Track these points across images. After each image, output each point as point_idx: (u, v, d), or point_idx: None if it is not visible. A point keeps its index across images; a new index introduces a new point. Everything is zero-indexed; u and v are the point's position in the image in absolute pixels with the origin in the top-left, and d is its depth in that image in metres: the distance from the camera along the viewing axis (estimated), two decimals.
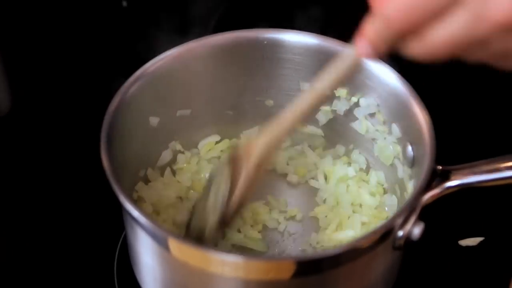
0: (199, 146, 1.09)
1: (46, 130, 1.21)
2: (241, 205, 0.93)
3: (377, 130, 1.03)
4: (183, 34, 1.07)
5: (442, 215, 1.06)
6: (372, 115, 1.03)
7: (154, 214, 1.03)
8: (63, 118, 1.22)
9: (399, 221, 0.86)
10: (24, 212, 1.11)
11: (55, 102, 1.25)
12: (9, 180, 1.14)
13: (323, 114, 1.07)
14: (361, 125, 1.04)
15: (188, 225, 0.97)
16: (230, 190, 0.93)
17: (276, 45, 1.03)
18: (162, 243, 0.86)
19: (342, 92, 1.04)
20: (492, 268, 1.05)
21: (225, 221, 0.93)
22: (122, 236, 1.06)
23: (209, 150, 1.10)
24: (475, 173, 0.90)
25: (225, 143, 1.11)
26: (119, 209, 0.94)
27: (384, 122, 1.01)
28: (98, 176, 0.89)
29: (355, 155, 1.08)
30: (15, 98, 1.23)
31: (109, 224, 1.07)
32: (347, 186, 1.07)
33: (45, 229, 1.09)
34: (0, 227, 1.10)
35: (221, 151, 1.10)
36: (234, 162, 0.93)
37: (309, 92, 0.87)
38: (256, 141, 0.92)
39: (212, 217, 0.93)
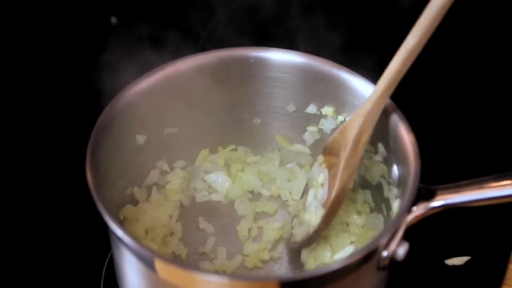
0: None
1: (33, 148, 1.21)
2: (343, 190, 0.96)
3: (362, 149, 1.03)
4: (172, 51, 1.07)
5: (429, 234, 1.06)
6: None
7: (142, 233, 1.03)
8: (50, 136, 1.22)
9: (384, 241, 0.86)
10: (11, 230, 1.11)
11: (41, 120, 1.25)
12: None
13: (310, 134, 1.08)
14: None
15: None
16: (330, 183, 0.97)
17: (262, 64, 1.04)
18: (148, 264, 0.86)
19: (328, 110, 1.04)
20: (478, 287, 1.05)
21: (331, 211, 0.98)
22: (109, 255, 1.06)
23: (204, 161, 1.10)
24: (459, 193, 0.90)
25: (219, 155, 1.11)
26: (105, 229, 0.94)
27: (370, 142, 1.01)
28: (85, 195, 0.89)
29: None
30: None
31: (95, 244, 1.07)
32: None
33: (31, 248, 1.09)
34: None
35: (213, 163, 1.11)
36: (329, 154, 0.98)
37: (406, 45, 0.89)
38: (352, 121, 0.95)
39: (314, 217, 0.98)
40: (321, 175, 1.00)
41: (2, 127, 1.23)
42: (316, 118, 1.06)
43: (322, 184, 1.00)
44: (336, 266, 0.83)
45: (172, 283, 0.85)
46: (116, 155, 0.98)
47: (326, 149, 1.01)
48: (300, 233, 1.01)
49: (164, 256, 0.87)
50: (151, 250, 0.85)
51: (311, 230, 0.99)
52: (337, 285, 0.85)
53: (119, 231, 0.84)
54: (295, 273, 0.98)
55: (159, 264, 0.84)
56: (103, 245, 1.02)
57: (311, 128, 1.07)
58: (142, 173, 1.06)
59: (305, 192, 1.05)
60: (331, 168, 1.00)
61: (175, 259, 1.01)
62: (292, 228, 1.04)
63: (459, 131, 1.26)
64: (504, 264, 1.06)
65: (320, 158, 1.02)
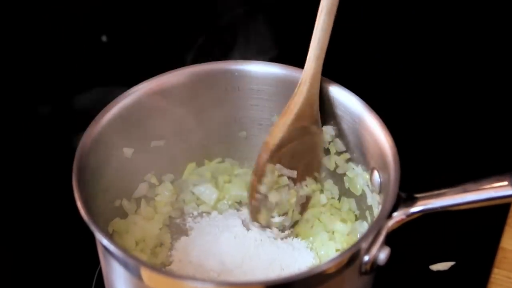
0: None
1: (19, 163, 1.23)
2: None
3: (345, 162, 1.05)
4: (162, 66, 1.09)
5: (414, 240, 1.08)
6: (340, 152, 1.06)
7: (132, 244, 1.04)
8: (37, 151, 1.25)
9: (365, 246, 0.88)
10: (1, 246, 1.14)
11: (28, 135, 1.28)
12: None
13: None
14: (330, 162, 1.07)
15: None
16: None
17: (246, 76, 1.06)
18: (135, 273, 0.88)
19: None
20: None
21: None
22: (97, 270, 1.08)
23: (191, 174, 1.12)
24: (438, 199, 0.92)
25: (206, 167, 1.12)
26: (94, 244, 0.96)
27: (351, 151, 1.03)
28: (73, 208, 0.91)
29: (328, 184, 1.10)
30: None
31: (84, 259, 1.09)
32: (320, 213, 1.09)
33: (21, 262, 1.11)
34: None
35: (201, 176, 1.12)
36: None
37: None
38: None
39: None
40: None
41: None
42: None
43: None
44: (318, 270, 0.85)
45: None
46: (104, 167, 1.00)
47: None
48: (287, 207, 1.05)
49: (150, 264, 0.89)
50: (137, 259, 0.87)
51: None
52: None
53: (104, 241, 0.86)
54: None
55: (145, 273, 0.86)
56: (92, 259, 1.04)
57: None
58: (130, 186, 1.07)
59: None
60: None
61: (160, 268, 1.02)
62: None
63: (440, 136, 1.28)
64: (488, 269, 1.08)
65: None
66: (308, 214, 1.09)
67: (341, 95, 1.01)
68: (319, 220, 1.08)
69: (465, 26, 1.44)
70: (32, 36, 1.41)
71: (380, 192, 0.98)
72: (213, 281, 0.90)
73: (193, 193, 1.12)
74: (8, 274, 1.10)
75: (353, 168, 1.04)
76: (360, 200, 1.06)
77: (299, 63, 1.03)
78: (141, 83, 1.04)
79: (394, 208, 0.91)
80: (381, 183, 0.98)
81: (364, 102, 1.00)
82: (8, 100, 1.32)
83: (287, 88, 1.05)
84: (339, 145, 1.05)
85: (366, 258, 0.89)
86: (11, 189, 1.19)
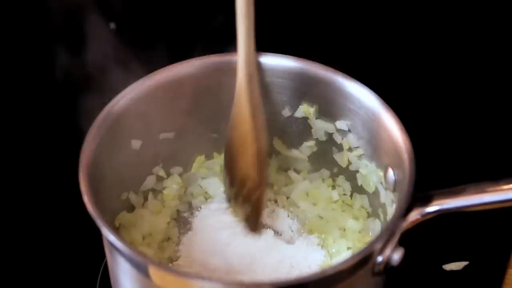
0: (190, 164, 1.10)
1: (26, 157, 1.22)
2: None
3: (358, 158, 1.03)
4: (171, 55, 1.07)
5: (427, 239, 1.06)
6: (354, 148, 1.03)
7: (139, 239, 1.03)
8: (43, 144, 1.23)
9: (378, 246, 0.86)
10: (5, 240, 1.12)
11: (34, 126, 1.26)
12: None
13: (307, 147, 1.08)
14: (342, 158, 1.05)
15: None
16: None
17: (258, 69, 1.03)
18: (142, 270, 0.86)
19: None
20: None
21: None
22: (104, 263, 1.07)
23: (200, 167, 1.10)
24: (454, 199, 0.89)
25: (215, 161, 1.10)
26: (100, 237, 0.94)
27: (365, 148, 1.01)
28: (79, 202, 0.89)
29: (340, 180, 1.08)
30: None
31: (90, 251, 1.07)
32: (332, 210, 1.07)
33: (26, 255, 1.10)
34: None
35: (209, 169, 1.10)
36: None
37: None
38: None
39: None
40: None
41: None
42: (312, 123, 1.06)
43: None
44: (331, 271, 0.83)
45: None
46: (112, 160, 0.98)
47: None
48: None
49: (158, 261, 0.87)
50: (144, 256, 0.85)
51: None
52: None
53: (111, 236, 0.84)
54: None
55: (153, 270, 0.84)
56: (98, 252, 1.02)
57: (308, 143, 1.08)
58: (138, 179, 1.06)
59: None
60: None
61: (168, 265, 1.00)
62: None
63: (457, 134, 1.26)
64: (503, 269, 1.05)
65: None
66: (320, 211, 1.07)
67: (356, 90, 0.99)
68: (330, 217, 1.06)
69: (487, 22, 1.42)
70: (35, 25, 1.39)
71: (394, 190, 0.96)
72: (221, 280, 0.88)
73: (201, 187, 1.10)
74: (13, 268, 1.08)
75: (367, 165, 1.02)
76: (373, 197, 1.03)
77: (312, 55, 1.01)
78: (150, 74, 1.02)
79: (409, 208, 0.88)
80: (395, 181, 0.95)
81: (379, 98, 0.97)
82: (13, 91, 1.30)
83: (299, 81, 1.03)
84: (353, 140, 1.02)
85: (380, 259, 0.87)
86: (17, 182, 1.18)
